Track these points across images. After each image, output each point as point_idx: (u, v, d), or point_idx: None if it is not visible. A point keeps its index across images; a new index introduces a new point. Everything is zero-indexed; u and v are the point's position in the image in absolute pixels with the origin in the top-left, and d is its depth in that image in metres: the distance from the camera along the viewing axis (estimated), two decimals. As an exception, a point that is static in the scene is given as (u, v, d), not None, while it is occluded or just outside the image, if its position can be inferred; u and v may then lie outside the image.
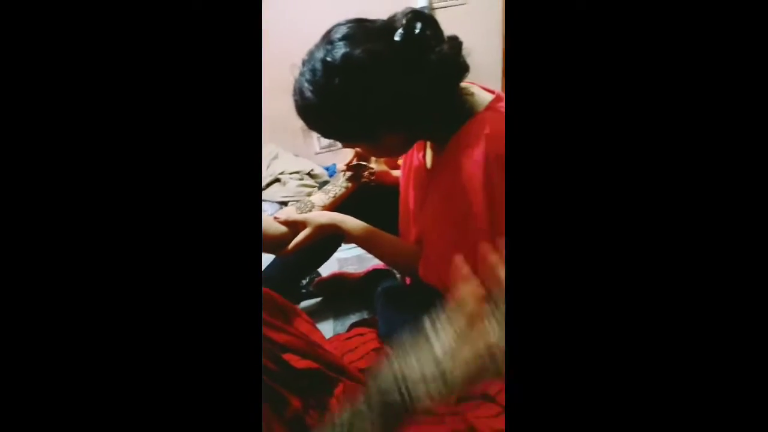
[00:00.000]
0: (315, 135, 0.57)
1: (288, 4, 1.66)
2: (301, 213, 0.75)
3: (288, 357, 0.49)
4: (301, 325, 0.62)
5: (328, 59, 0.47)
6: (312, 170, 1.77)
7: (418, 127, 0.57)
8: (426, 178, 0.67)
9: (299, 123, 0.55)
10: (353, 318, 0.98)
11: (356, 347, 0.69)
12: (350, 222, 0.70)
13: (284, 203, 1.61)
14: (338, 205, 0.81)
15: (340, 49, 0.47)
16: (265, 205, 1.64)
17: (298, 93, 0.51)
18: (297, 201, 0.81)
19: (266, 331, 0.51)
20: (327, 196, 0.80)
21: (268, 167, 1.75)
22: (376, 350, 0.68)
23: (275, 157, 1.79)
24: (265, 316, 0.53)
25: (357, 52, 0.47)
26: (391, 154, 0.67)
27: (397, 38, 0.48)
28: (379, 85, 0.48)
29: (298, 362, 0.49)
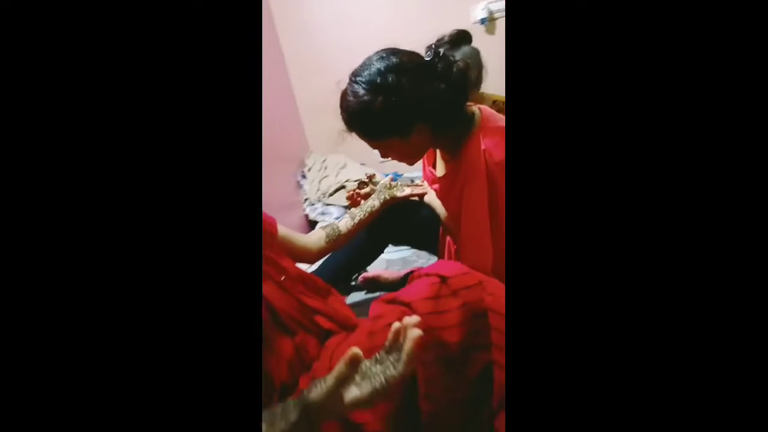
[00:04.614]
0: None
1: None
2: (329, 239, 0.88)
3: (318, 319, 0.63)
4: (334, 301, 0.75)
5: (385, 64, 0.66)
6: (373, 176, 1.92)
7: (442, 124, 0.72)
8: (443, 183, 0.85)
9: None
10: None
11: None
12: None
13: (348, 207, 1.78)
14: (363, 228, 0.93)
15: (393, 58, 0.67)
16: (331, 209, 1.83)
17: (352, 94, 0.68)
18: (325, 226, 0.92)
19: (303, 298, 0.66)
20: (353, 221, 0.92)
21: (337, 175, 1.93)
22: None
23: (343, 167, 1.98)
24: (303, 289, 0.67)
25: (405, 59, 0.67)
26: (413, 152, 0.79)
27: (426, 58, 0.70)
28: (416, 85, 0.66)
29: (325, 323, 0.63)
